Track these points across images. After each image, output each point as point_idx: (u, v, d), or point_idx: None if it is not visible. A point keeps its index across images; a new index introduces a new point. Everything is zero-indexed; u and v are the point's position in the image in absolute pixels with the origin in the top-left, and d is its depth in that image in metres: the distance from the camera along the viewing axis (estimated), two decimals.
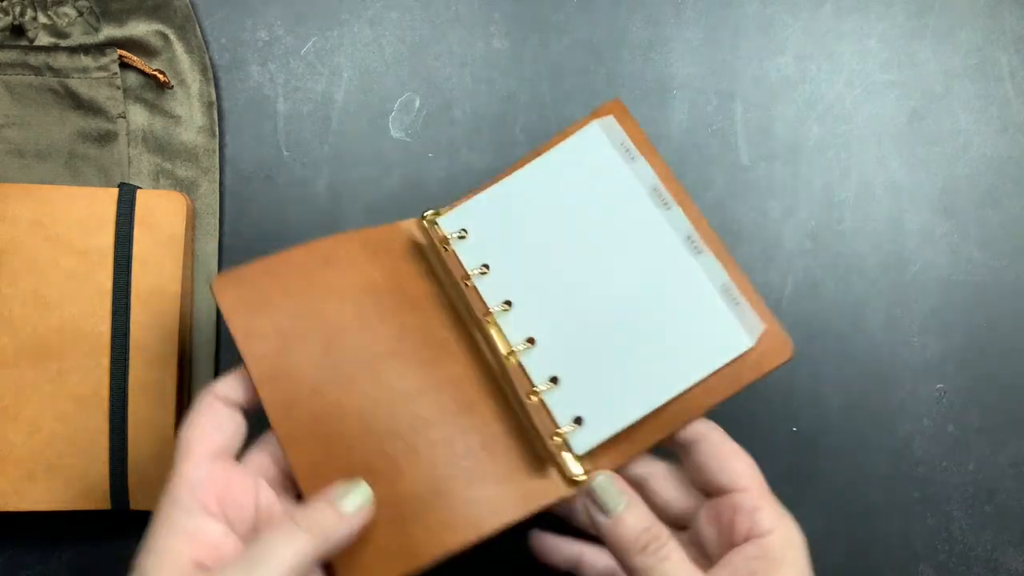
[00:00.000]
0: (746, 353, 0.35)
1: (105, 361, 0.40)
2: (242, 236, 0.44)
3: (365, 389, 0.35)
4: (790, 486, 0.43)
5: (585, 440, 0.34)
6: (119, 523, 0.43)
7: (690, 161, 0.44)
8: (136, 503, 0.40)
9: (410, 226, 0.40)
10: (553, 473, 0.34)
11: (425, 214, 0.39)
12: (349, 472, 0.33)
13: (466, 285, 0.37)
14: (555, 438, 0.34)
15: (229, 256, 0.44)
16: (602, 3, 0.45)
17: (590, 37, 0.45)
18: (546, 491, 0.34)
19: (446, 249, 0.38)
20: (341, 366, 0.35)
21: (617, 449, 0.35)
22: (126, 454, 0.40)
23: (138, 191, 0.41)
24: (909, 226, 0.44)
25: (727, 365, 0.35)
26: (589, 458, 0.34)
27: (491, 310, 0.37)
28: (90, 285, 0.40)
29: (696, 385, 0.35)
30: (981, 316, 0.44)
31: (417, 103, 0.45)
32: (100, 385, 0.40)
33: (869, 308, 0.44)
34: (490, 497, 0.33)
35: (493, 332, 0.36)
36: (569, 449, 0.34)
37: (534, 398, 0.35)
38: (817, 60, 0.45)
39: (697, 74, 0.45)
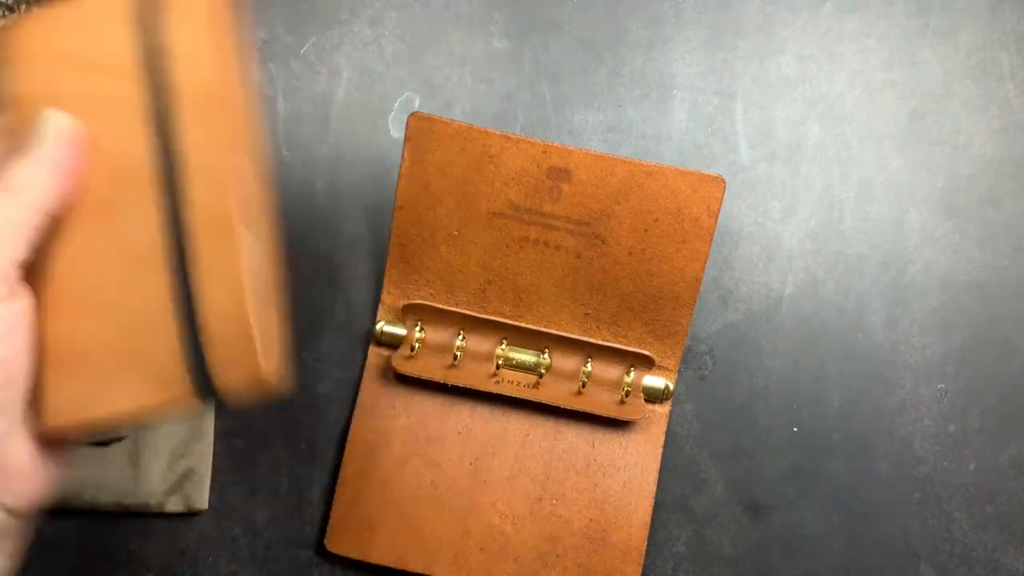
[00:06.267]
0: (693, 207, 0.40)
1: (152, 199, 0.30)
2: None
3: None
4: (791, 486, 0.43)
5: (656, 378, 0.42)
6: (119, 523, 0.43)
7: (690, 161, 0.44)
8: (223, 382, 0.30)
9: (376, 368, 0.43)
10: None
11: (379, 331, 0.43)
12: None
13: (456, 359, 0.42)
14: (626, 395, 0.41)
15: None
16: (602, 3, 0.45)
17: (590, 37, 0.45)
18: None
19: (414, 349, 0.42)
20: None
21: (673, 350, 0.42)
22: (197, 322, 0.30)
23: None
24: (910, 226, 0.44)
25: (688, 229, 0.40)
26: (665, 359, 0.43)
27: (496, 360, 0.41)
28: (121, 104, 0.30)
29: (679, 256, 0.40)
30: (982, 316, 0.44)
31: (417, 103, 0.45)
32: (154, 231, 0.30)
33: (869, 308, 0.44)
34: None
35: (514, 372, 0.42)
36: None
37: (584, 388, 0.41)
38: (817, 60, 0.45)
39: (697, 74, 0.45)
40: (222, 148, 0.30)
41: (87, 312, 0.30)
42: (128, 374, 0.30)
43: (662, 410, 0.42)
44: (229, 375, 0.30)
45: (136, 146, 0.30)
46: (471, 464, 0.42)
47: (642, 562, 0.41)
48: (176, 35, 0.30)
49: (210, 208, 0.30)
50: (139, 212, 0.30)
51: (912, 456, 0.43)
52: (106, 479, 0.42)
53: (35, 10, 0.31)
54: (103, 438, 0.42)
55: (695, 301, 0.41)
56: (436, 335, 0.42)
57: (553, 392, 0.41)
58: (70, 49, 0.31)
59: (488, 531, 0.41)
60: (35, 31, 0.31)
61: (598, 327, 0.42)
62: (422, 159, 0.40)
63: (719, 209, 0.39)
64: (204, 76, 0.30)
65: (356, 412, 0.42)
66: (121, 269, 0.30)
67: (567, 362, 0.42)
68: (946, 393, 0.43)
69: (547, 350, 0.42)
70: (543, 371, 0.41)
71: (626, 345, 0.42)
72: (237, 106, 0.31)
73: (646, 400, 0.42)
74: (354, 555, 0.41)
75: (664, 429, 0.42)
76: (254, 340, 0.30)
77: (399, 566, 0.41)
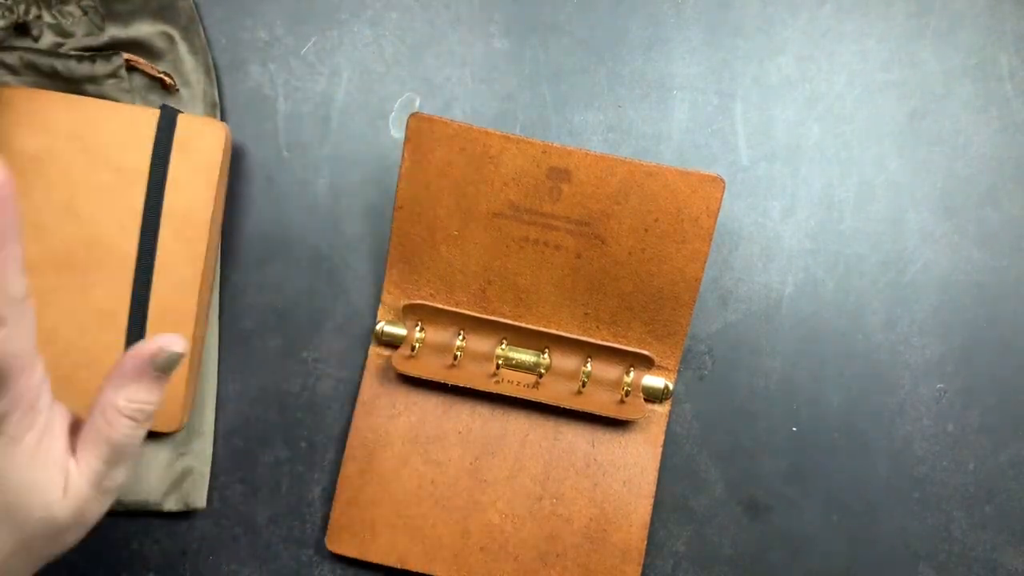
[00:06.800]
0: (693, 207, 0.40)
1: (128, 279, 0.40)
2: (242, 236, 0.44)
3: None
4: (790, 486, 0.43)
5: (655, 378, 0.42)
6: (119, 523, 0.43)
7: (690, 161, 0.44)
8: None
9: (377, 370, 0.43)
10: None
11: (379, 331, 0.43)
12: None
13: (456, 360, 0.42)
14: (626, 395, 0.41)
15: (229, 257, 0.44)
16: (602, 3, 0.45)
17: (590, 37, 0.45)
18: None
19: (414, 348, 0.42)
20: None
21: (673, 350, 0.42)
22: None
23: (179, 115, 0.41)
24: (909, 226, 0.44)
25: (688, 229, 0.40)
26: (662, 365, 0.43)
27: (496, 360, 0.41)
28: (122, 203, 0.40)
29: (678, 256, 0.40)
30: (981, 316, 0.44)
31: (417, 103, 0.45)
32: (121, 303, 0.40)
33: (869, 308, 0.44)
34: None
35: (514, 372, 0.42)
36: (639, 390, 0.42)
37: (584, 388, 0.41)
38: (817, 60, 0.45)
39: (697, 74, 0.45)
40: (189, 260, 0.41)
41: (44, 341, 0.36)
42: (65, 392, 0.36)
43: (662, 410, 0.42)
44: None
45: (126, 238, 0.40)
46: (471, 464, 0.42)
47: (642, 561, 0.41)
48: (179, 169, 0.41)
49: (170, 301, 0.41)
50: (116, 284, 0.40)
51: (911, 456, 0.43)
52: None
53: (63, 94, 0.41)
54: None
55: (695, 301, 0.41)
56: (436, 335, 0.42)
57: (553, 392, 0.41)
58: (95, 143, 0.40)
59: (488, 531, 0.41)
60: (61, 111, 0.40)
61: (598, 327, 0.42)
62: (422, 159, 0.40)
63: (719, 209, 0.39)
64: (190, 208, 0.41)
65: (356, 412, 0.42)
66: (83, 317, 0.40)
67: (567, 362, 0.42)
68: (945, 393, 0.43)
69: (547, 350, 0.42)
70: (543, 371, 0.41)
71: (626, 345, 0.42)
72: (209, 230, 0.41)
73: (646, 400, 0.42)
74: (354, 555, 0.41)
75: (664, 429, 0.42)
76: (179, 404, 0.41)
77: (399, 565, 0.41)
